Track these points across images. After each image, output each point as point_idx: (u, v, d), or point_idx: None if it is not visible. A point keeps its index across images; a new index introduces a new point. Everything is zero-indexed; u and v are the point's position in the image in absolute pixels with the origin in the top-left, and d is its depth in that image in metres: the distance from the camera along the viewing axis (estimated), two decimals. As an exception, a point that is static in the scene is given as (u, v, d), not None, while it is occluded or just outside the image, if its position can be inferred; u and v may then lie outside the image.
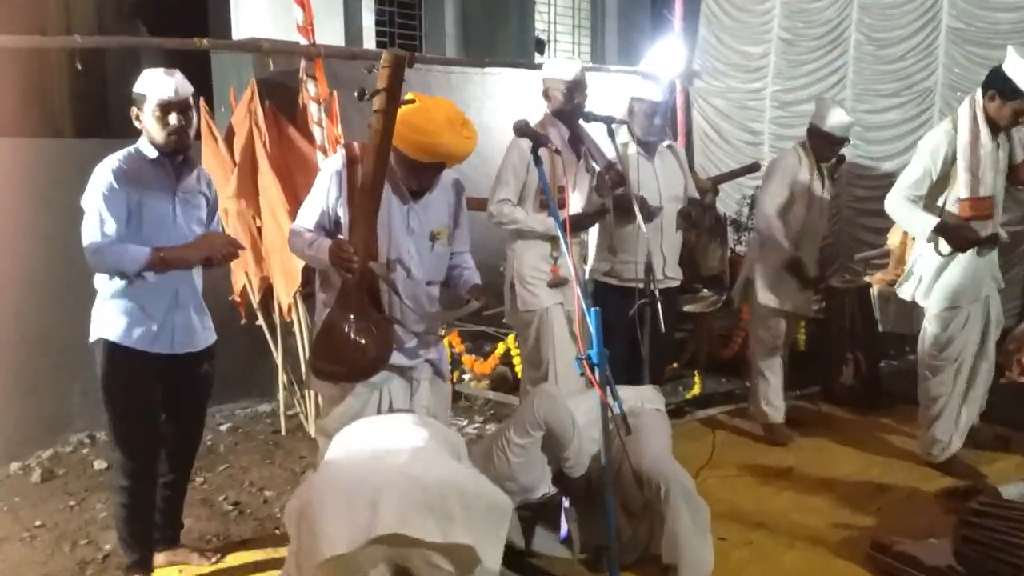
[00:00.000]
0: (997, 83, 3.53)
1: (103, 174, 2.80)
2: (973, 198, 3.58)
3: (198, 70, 5.83)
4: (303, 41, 4.54)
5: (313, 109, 4.49)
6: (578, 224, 3.79)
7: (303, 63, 4.52)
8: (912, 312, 5.14)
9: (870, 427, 4.53)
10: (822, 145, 4.30)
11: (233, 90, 4.77)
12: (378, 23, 8.48)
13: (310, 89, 4.50)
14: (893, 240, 6.12)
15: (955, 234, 3.59)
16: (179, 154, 2.90)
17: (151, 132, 2.85)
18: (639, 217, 3.44)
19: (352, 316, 2.65)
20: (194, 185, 3.00)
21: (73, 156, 4.20)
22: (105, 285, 2.90)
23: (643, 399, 3.16)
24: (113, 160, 2.84)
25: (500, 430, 3.02)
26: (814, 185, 4.31)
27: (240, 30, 6.49)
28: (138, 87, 2.84)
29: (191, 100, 2.89)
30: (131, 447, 2.95)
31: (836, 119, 4.25)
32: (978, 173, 3.56)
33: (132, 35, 7.12)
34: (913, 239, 5.57)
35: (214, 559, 3.24)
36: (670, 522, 2.85)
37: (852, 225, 6.55)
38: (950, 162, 3.61)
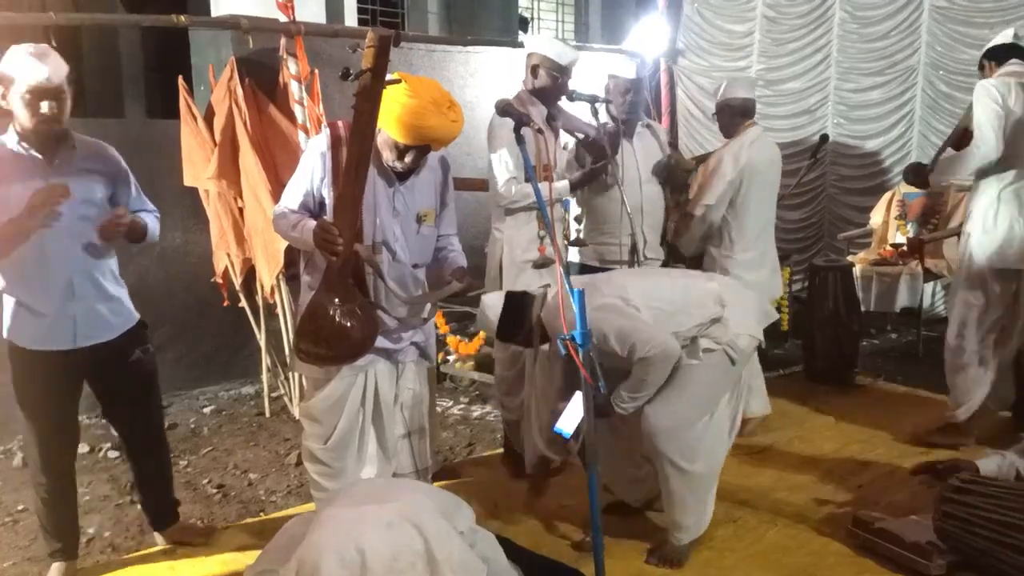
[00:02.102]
0: None
1: None
2: None
3: (176, 47, 5.76)
4: (283, 18, 4.47)
5: (294, 88, 4.43)
6: (582, 183, 3.69)
7: (283, 41, 4.45)
8: (895, 291, 5.19)
9: (852, 405, 4.57)
10: None
11: (212, 68, 4.70)
12: (360, 0, 8.38)
13: (291, 67, 4.44)
14: (876, 219, 6.15)
15: None
16: (49, 139, 2.65)
17: (19, 117, 2.60)
18: (621, 191, 3.40)
19: (337, 299, 2.62)
20: (78, 164, 2.72)
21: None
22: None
23: (749, 322, 2.87)
24: None
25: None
26: None
27: (219, 7, 6.39)
28: (4, 66, 2.57)
29: (65, 85, 2.60)
30: (40, 446, 2.85)
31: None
32: None
33: (108, 12, 6.99)
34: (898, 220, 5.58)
35: (209, 537, 3.17)
36: (664, 492, 2.89)
37: (836, 203, 6.59)
38: None
